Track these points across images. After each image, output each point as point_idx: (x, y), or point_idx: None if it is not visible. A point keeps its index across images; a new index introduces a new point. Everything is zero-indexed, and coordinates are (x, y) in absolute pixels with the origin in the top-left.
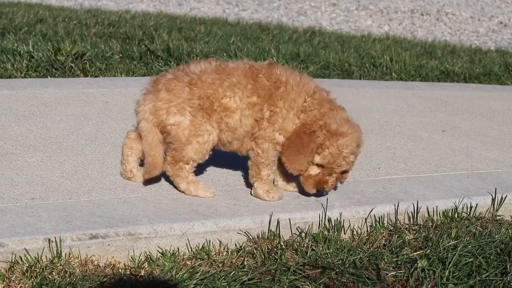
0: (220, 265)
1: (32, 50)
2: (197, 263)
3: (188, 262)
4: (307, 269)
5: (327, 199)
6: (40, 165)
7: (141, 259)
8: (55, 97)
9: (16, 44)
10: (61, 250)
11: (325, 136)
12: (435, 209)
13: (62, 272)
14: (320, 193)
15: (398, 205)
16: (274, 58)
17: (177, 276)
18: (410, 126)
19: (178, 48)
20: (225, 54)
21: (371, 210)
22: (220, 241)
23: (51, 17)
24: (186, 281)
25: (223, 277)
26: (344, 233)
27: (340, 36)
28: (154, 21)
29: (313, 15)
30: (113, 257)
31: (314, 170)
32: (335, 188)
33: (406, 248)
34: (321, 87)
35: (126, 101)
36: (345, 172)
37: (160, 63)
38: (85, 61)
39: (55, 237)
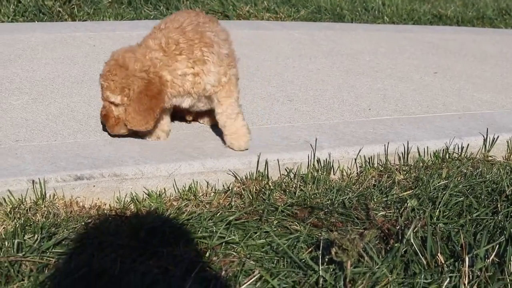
0: (207, 206)
1: None
2: (184, 204)
3: (175, 203)
4: (295, 209)
5: (316, 139)
6: (25, 108)
7: (127, 200)
8: (42, 41)
9: None
10: (45, 192)
11: None
12: (425, 149)
13: (46, 213)
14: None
15: (388, 145)
16: (264, 2)
17: (163, 216)
18: (401, 68)
19: None
20: None
21: (360, 150)
22: (207, 182)
23: None
24: (172, 220)
25: (210, 217)
26: (334, 174)
27: None
28: None
29: None
30: (98, 199)
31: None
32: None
33: (395, 188)
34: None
35: (113, 44)
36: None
37: (150, 7)
38: (73, 5)
39: (39, 178)
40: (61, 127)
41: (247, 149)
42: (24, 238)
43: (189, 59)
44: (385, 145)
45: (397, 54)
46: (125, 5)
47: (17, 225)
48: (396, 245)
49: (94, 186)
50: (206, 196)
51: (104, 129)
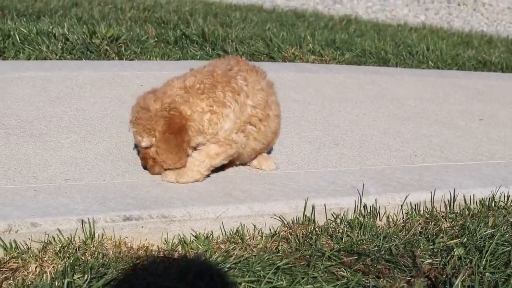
0: (254, 250)
1: (67, 33)
2: (231, 247)
3: (222, 246)
4: (342, 255)
5: (363, 185)
6: (74, 146)
7: (174, 241)
8: (90, 79)
9: (51, 26)
10: (94, 231)
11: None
12: (472, 197)
13: (96, 253)
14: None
15: (434, 192)
16: (310, 44)
17: (211, 259)
18: (446, 114)
19: (213, 33)
20: (260, 40)
21: (407, 197)
22: (254, 226)
23: (86, 1)
24: (220, 264)
25: (258, 261)
26: (380, 220)
27: (376, 25)
28: (189, 6)
29: (349, 3)
30: (146, 239)
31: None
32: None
33: (442, 235)
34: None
35: (160, 84)
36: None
37: (196, 47)
38: (120, 44)
39: (88, 218)
40: (109, 167)
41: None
42: (74, 278)
43: (209, 98)
44: (431, 192)
45: (442, 100)
46: (171, 45)
47: (67, 265)
48: None
49: (142, 227)
50: (253, 239)
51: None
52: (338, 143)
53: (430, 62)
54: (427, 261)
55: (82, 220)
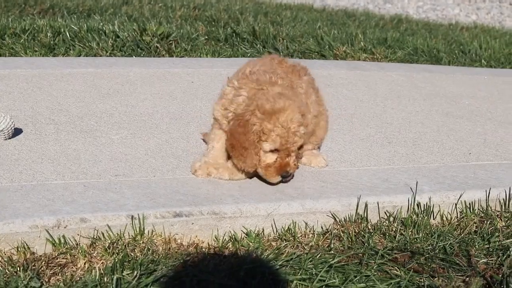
0: (306, 247)
1: (117, 30)
2: (283, 245)
3: (274, 243)
4: (395, 253)
5: (417, 183)
6: (124, 142)
7: (225, 239)
8: (140, 76)
9: (101, 24)
10: (144, 228)
11: (262, 119)
12: None
13: (145, 249)
14: (285, 178)
15: (489, 191)
16: (361, 42)
17: (262, 256)
18: (501, 113)
19: (264, 31)
20: (311, 38)
21: (461, 196)
22: (306, 223)
23: (137, 0)
24: (271, 261)
25: (310, 259)
26: (434, 219)
27: (427, 24)
28: (239, 5)
29: (399, 3)
30: (196, 236)
31: (270, 158)
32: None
33: (497, 234)
34: (250, 64)
35: (211, 81)
36: (301, 147)
37: (246, 45)
38: (171, 41)
39: (138, 214)
40: (160, 163)
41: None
42: (123, 274)
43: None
44: (486, 191)
45: (496, 98)
46: (222, 43)
47: (116, 261)
48: None
49: (192, 223)
50: (305, 237)
51: None
52: (391, 141)
53: (483, 61)
54: (482, 261)
55: (132, 216)
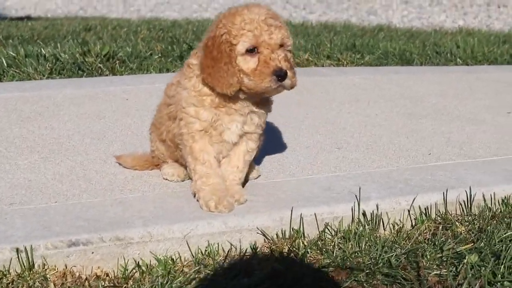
0: (228, 271)
1: (57, 53)
2: (196, 269)
3: (186, 269)
4: (331, 271)
5: (360, 189)
6: (32, 168)
7: (131, 267)
8: (70, 97)
9: (40, 48)
10: (33, 261)
11: (226, 23)
12: (492, 196)
13: (33, 287)
14: (280, 76)
15: (447, 192)
16: (327, 49)
17: (167, 284)
18: (471, 110)
19: None
20: None
21: (414, 200)
22: (230, 243)
23: (102, 26)
24: None
25: (224, 284)
26: (384, 229)
27: (409, 31)
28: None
29: (383, 14)
30: (98, 267)
31: (251, 61)
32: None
33: (449, 241)
34: None
35: (150, 97)
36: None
37: None
38: (115, 61)
39: (25, 246)
40: (66, 187)
41: None
42: None
43: None
44: (443, 193)
45: (468, 95)
46: (171, 58)
47: None
48: None
49: (92, 252)
50: (227, 259)
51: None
52: (341, 146)
53: (458, 60)
54: (434, 273)
55: (17, 249)
